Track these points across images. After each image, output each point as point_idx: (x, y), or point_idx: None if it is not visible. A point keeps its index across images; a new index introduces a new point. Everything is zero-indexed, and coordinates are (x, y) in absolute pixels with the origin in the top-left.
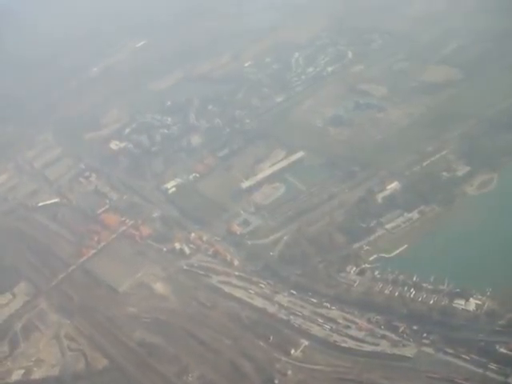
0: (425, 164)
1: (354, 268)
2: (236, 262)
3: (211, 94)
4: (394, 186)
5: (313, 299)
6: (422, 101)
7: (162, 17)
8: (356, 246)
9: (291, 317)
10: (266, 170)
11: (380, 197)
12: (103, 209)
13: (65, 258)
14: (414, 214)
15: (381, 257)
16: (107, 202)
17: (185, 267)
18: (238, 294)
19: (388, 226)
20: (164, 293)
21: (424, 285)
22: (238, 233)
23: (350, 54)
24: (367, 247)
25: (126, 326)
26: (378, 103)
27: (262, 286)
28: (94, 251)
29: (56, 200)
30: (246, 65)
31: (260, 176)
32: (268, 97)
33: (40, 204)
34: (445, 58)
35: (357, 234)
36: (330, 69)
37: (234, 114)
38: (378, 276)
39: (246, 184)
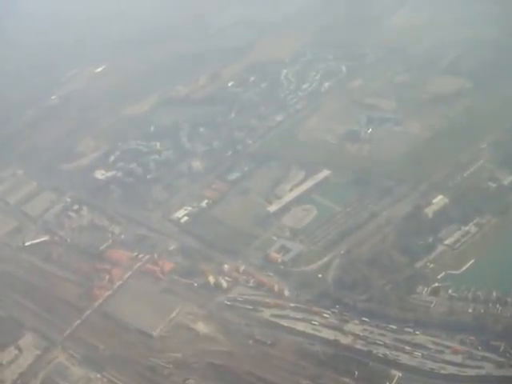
0: (465, 175)
1: (425, 288)
2: (286, 292)
3: (199, 117)
4: (440, 199)
5: (391, 325)
6: (438, 112)
7: (119, 41)
8: (419, 264)
9: (372, 347)
10: (292, 192)
11: (430, 211)
12: (106, 244)
13: (74, 303)
14: (471, 227)
15: (449, 274)
16: (109, 236)
17: (227, 302)
18: (301, 327)
19: (447, 242)
20: (210, 333)
21: (509, 299)
22: (279, 260)
23: (344, 69)
24: (432, 265)
25: (174, 375)
26: (393, 116)
27: (327, 315)
28: (109, 292)
29: (45, 238)
30: (230, 85)
31: (286, 198)
32: (266, 116)
33: (27, 243)
34: (447, 68)
35: (416, 251)
36: (326, 84)
37: (232, 136)
38: (454, 294)
39: (273, 208)
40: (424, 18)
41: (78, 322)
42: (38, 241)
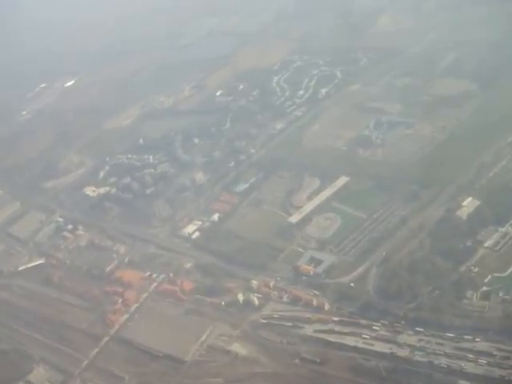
0: (491, 176)
1: (475, 293)
2: (327, 306)
3: (191, 128)
4: (470, 201)
5: (448, 333)
6: (448, 114)
7: (88, 54)
8: (462, 268)
9: (432, 357)
10: (312, 201)
11: (463, 214)
12: (112, 265)
13: (87, 330)
14: (508, 228)
15: (496, 277)
16: (114, 256)
17: (262, 321)
18: (350, 341)
19: (487, 244)
20: (249, 355)
21: None
22: (311, 273)
23: (339, 74)
24: (476, 269)
25: None
26: (404, 120)
27: (376, 327)
28: (125, 316)
29: (41, 261)
30: (218, 94)
31: (307, 208)
32: (264, 124)
33: (21, 268)
34: (447, 70)
35: (457, 256)
36: (324, 90)
37: (232, 146)
38: (507, 297)
39: (294, 218)
40: (411, 22)
41: (96, 350)
42: (32, 265)
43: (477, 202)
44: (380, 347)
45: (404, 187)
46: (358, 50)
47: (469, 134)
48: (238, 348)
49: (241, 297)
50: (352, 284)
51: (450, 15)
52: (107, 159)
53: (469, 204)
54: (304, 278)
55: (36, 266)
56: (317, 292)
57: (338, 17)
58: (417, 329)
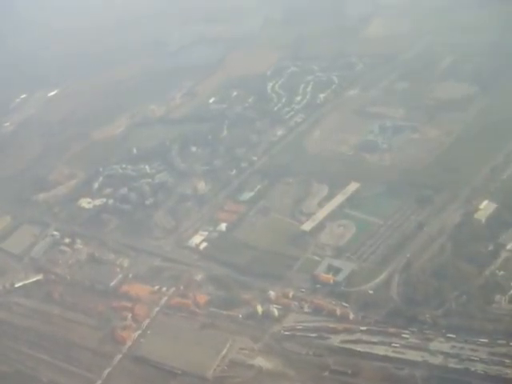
0: (504, 178)
1: (503, 297)
2: (351, 315)
3: (186, 136)
4: (487, 204)
5: (481, 339)
6: (452, 117)
7: (72, 63)
8: (487, 272)
9: (467, 364)
10: (324, 208)
11: (482, 217)
12: (117, 279)
13: (96, 348)
14: None
15: None
16: (118, 270)
17: (285, 332)
18: (380, 351)
19: (510, 247)
20: (275, 368)
21: None
22: (332, 281)
23: (336, 80)
24: (501, 272)
25: None
26: (409, 124)
27: (406, 335)
28: (137, 333)
29: (39, 277)
30: (211, 101)
31: (319, 215)
32: (264, 131)
33: (18, 284)
34: (446, 74)
35: (480, 259)
36: (322, 96)
37: (233, 153)
38: None
39: (307, 226)
40: (402, 27)
41: (109, 370)
42: (30, 281)
43: (493, 205)
44: (412, 355)
45: (417, 192)
46: (353, 55)
47: (476, 137)
48: (261, 362)
49: (260, 308)
50: (371, 291)
51: (440, 19)
52: (100, 170)
53: (486, 207)
54: (321, 286)
55: (34, 282)
56: (339, 301)
57: (327, 23)
58: (448, 335)
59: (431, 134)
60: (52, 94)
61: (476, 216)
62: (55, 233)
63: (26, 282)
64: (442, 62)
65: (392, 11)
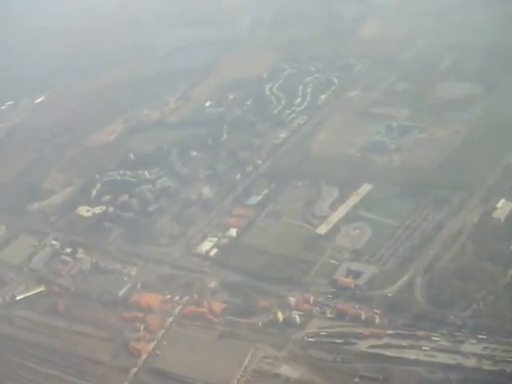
0: None
1: None
2: (377, 319)
3: (185, 140)
4: (504, 203)
5: None
6: (458, 117)
7: (58, 68)
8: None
9: (503, 365)
10: (337, 211)
11: (501, 216)
12: (125, 289)
13: (110, 362)
14: None
15: None
16: (125, 279)
17: (309, 339)
18: (411, 355)
19: None
20: (302, 377)
21: None
22: (353, 285)
23: (335, 81)
24: None
25: None
26: (416, 124)
27: (436, 338)
28: (152, 343)
29: (41, 289)
30: (207, 105)
31: (334, 218)
32: (265, 134)
33: (19, 297)
34: (447, 74)
35: (503, 259)
36: (323, 97)
37: (236, 157)
38: None
39: (323, 229)
40: (398, 28)
41: None
42: (32, 293)
43: (510, 204)
44: (444, 358)
45: (431, 192)
46: (349, 57)
47: (484, 136)
48: (287, 370)
49: (280, 315)
50: (393, 294)
51: (435, 20)
52: (97, 176)
53: (503, 206)
54: (342, 290)
55: (36, 294)
56: (363, 305)
57: (319, 24)
58: (479, 336)
59: (439, 133)
60: (39, 100)
61: (494, 215)
62: (54, 242)
63: (28, 294)
64: (442, 62)
65: (386, 12)
